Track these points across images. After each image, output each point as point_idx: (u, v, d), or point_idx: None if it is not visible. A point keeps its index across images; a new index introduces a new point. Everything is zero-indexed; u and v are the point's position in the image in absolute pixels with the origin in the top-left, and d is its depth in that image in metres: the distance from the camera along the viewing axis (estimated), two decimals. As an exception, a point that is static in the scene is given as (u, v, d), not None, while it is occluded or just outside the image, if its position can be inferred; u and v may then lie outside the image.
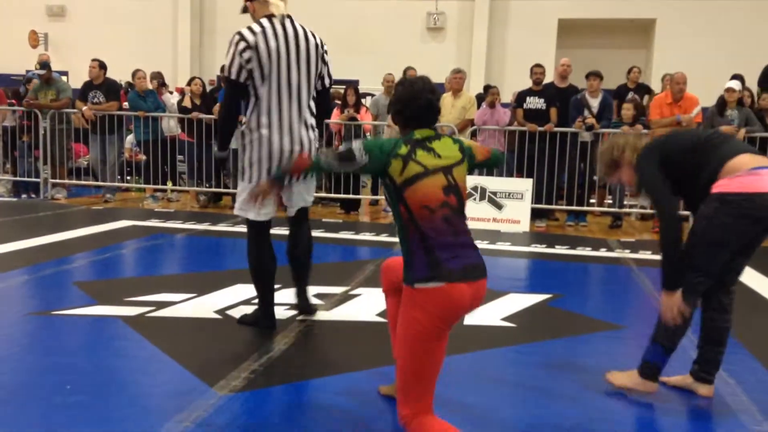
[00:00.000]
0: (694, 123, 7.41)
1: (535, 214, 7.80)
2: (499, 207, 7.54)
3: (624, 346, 3.61)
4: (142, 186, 9.31)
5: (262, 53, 3.26)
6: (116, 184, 9.02)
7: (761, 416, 2.70)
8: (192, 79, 8.91)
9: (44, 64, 9.07)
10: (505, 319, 3.95)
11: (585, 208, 7.99)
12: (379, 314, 3.89)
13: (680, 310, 2.67)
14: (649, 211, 7.91)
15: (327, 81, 3.61)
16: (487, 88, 9.51)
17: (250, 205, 3.37)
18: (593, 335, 3.75)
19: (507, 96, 10.45)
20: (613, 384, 2.90)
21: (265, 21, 3.32)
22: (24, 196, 9.21)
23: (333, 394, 2.79)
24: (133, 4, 15.73)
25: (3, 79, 14.02)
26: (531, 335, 3.69)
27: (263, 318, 3.58)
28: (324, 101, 3.66)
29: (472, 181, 7.36)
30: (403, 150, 2.15)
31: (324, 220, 7.70)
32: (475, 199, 7.49)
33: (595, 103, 7.73)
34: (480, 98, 9.10)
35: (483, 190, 7.56)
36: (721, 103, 7.40)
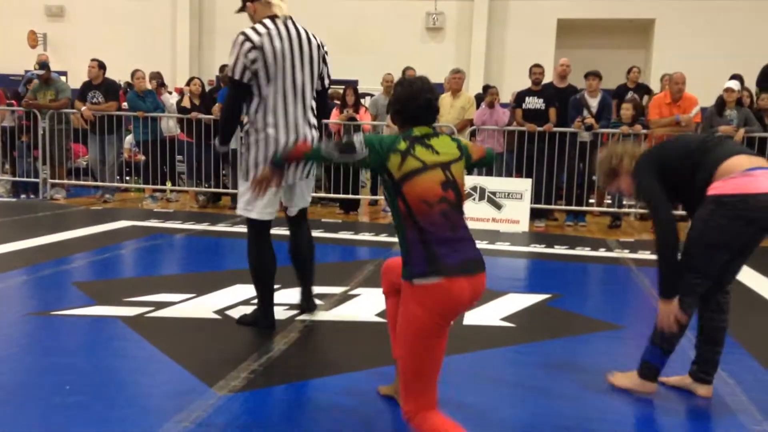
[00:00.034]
0: (693, 123, 7.42)
1: (535, 214, 7.80)
2: (499, 207, 7.54)
3: (623, 346, 3.61)
4: (142, 186, 9.31)
5: (267, 54, 3.27)
6: (115, 184, 9.01)
7: (760, 416, 2.71)
8: (191, 80, 8.88)
9: (43, 65, 9.07)
10: (504, 319, 3.96)
11: (584, 208, 7.99)
12: (379, 314, 3.90)
13: (677, 318, 2.68)
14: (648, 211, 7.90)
15: (326, 81, 3.64)
16: (486, 88, 9.52)
17: (254, 204, 3.37)
18: (592, 335, 3.76)
19: (506, 96, 10.44)
20: (614, 385, 2.92)
21: (269, 22, 3.33)
22: (23, 196, 9.21)
23: (332, 394, 2.79)
24: (132, 4, 15.73)
25: (2, 80, 14.02)
26: (530, 335, 3.70)
27: (263, 318, 3.58)
28: (323, 101, 3.70)
29: (471, 181, 7.36)
30: (402, 145, 2.16)
31: (323, 220, 7.70)
32: (474, 199, 7.49)
33: (594, 103, 7.73)
34: (479, 98, 9.10)
35: (482, 190, 7.56)
36: (720, 103, 7.41)
